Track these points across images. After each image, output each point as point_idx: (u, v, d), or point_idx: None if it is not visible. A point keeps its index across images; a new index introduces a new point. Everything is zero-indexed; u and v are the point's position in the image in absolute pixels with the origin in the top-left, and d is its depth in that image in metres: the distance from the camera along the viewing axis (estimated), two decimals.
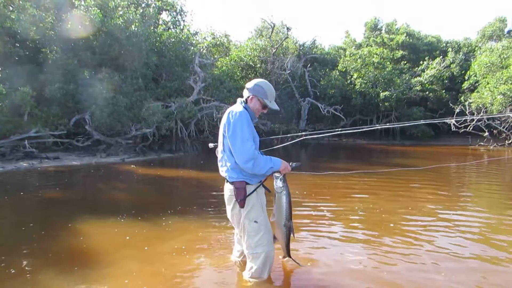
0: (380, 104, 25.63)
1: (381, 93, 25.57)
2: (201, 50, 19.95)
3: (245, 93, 3.53)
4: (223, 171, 3.50)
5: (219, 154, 3.56)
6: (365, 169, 12.03)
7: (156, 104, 16.43)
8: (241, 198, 3.36)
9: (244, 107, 3.42)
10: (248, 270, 3.53)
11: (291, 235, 3.62)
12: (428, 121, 5.11)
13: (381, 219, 6.16)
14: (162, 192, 8.84)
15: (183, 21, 20.99)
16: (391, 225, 5.83)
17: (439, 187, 9.31)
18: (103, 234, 5.33)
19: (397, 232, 5.44)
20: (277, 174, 3.41)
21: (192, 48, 19.09)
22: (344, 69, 28.03)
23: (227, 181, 3.49)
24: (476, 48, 29.69)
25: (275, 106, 3.51)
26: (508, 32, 28.07)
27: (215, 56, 21.18)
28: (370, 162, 15.53)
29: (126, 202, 7.70)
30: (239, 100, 3.53)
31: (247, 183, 3.39)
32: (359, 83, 26.52)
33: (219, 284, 3.71)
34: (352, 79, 27.27)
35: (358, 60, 27.13)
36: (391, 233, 5.37)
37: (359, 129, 4.70)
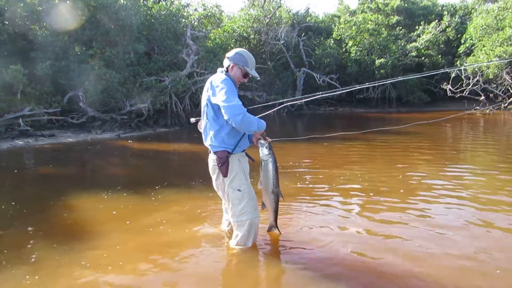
0: (376, 72, 25.41)
1: (377, 60, 25.32)
2: (193, 22, 19.63)
3: (225, 62, 3.55)
4: (206, 140, 3.55)
5: (202, 125, 3.59)
6: (362, 137, 12.05)
7: (150, 78, 16.34)
8: (224, 168, 3.42)
9: (226, 75, 3.44)
10: (234, 238, 3.65)
11: (280, 199, 3.68)
12: (418, 75, 4.92)
13: (375, 186, 6.24)
14: (156, 166, 8.94)
15: None
16: (385, 190, 5.93)
17: (434, 149, 9.40)
18: (91, 208, 5.44)
19: (393, 199, 5.52)
20: (262, 142, 3.46)
21: (184, 20, 18.77)
22: (339, 37, 27.66)
23: (210, 151, 3.52)
24: (473, 11, 29.21)
25: (255, 74, 3.53)
26: None
27: (208, 28, 20.85)
28: (367, 129, 15.50)
29: (119, 176, 7.82)
30: (219, 69, 3.55)
31: (229, 153, 3.43)
32: (354, 51, 26.23)
33: (206, 253, 3.80)
34: (347, 47, 26.95)
35: (353, 27, 26.73)
36: (387, 200, 5.45)
37: (337, 91, 4.66)
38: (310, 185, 6.34)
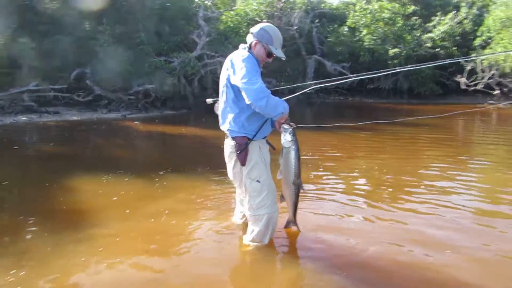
0: (389, 62, 24.81)
1: (390, 50, 24.73)
2: (206, 2, 19.15)
3: (249, 38, 3.18)
4: (224, 124, 3.21)
5: (220, 107, 3.23)
6: (372, 128, 11.71)
7: (159, 59, 15.97)
8: (242, 155, 3.08)
9: (249, 53, 3.08)
10: (250, 234, 3.31)
11: (301, 191, 3.32)
12: (432, 64, 4.37)
13: (386, 178, 5.93)
14: (161, 150, 8.67)
15: None
16: (398, 183, 5.63)
17: (445, 143, 9.06)
18: (90, 192, 5.09)
19: (405, 191, 5.23)
20: (286, 126, 3.10)
21: (197, 0, 18.32)
22: (353, 25, 27.01)
23: (228, 136, 3.20)
24: (490, 3, 28.40)
25: (281, 54, 3.16)
26: None
27: (221, 10, 20.36)
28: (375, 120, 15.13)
29: (122, 159, 7.52)
30: (241, 45, 3.19)
31: (249, 139, 3.11)
32: (368, 40, 25.62)
33: (215, 249, 3.44)
34: (361, 35, 26.32)
35: (368, 15, 26.08)
36: (399, 193, 5.16)
37: (343, 79, 4.29)
38: (329, 175, 6.05)
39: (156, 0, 17.19)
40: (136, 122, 12.55)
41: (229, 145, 3.23)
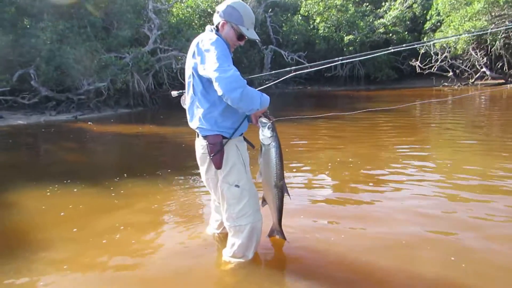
0: (344, 49, 24.97)
1: (345, 37, 24.89)
2: None
3: (215, 19, 2.64)
4: (193, 122, 2.69)
5: (187, 102, 2.71)
6: (332, 117, 11.55)
7: (109, 55, 15.11)
8: (218, 157, 2.59)
9: (217, 35, 2.57)
10: (230, 248, 2.79)
11: (285, 196, 2.79)
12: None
13: (353, 171, 5.62)
14: (117, 152, 7.92)
15: None
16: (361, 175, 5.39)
17: (404, 130, 8.97)
18: (33, 207, 4.33)
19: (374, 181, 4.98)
20: (264, 120, 2.59)
21: None
22: (306, 13, 26.96)
23: (198, 135, 2.70)
24: None
25: (254, 36, 2.63)
26: None
27: (170, 2, 19.59)
28: (337, 109, 15.12)
29: (73, 165, 6.67)
30: (208, 27, 2.66)
31: (223, 137, 2.62)
32: (322, 28, 25.65)
33: (185, 272, 2.81)
34: (315, 23, 26.32)
35: (320, 3, 26.09)
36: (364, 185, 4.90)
37: (323, 64, 3.94)
38: (306, 172, 5.71)
39: None
40: (89, 123, 11.75)
41: (200, 146, 2.70)
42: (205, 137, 2.61)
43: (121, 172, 5.55)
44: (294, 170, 5.51)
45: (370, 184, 4.74)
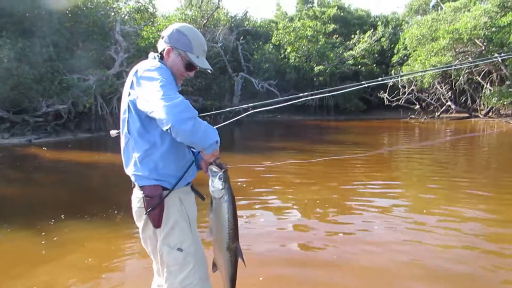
0: (315, 79, 25.17)
1: (315, 67, 25.11)
2: (123, 16, 17.87)
3: (160, 45, 2.12)
4: (128, 167, 2.13)
5: (122, 142, 2.15)
6: (301, 147, 11.34)
7: (71, 76, 14.42)
8: (156, 213, 2.03)
9: (160, 63, 2.06)
10: None
11: (239, 261, 2.17)
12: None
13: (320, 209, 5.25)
14: (64, 186, 6.90)
15: None
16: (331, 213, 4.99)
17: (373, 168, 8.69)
18: None
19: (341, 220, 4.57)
20: (214, 169, 2.04)
21: (113, 14, 17.00)
22: (278, 42, 27.14)
23: (134, 185, 2.13)
24: (403, 22, 30.23)
25: (205, 65, 2.12)
26: (433, 6, 28.86)
27: (140, 24, 19.16)
28: (306, 140, 14.90)
29: (8, 200, 5.77)
30: (151, 54, 2.15)
31: (165, 188, 2.09)
32: (293, 57, 25.83)
33: None
34: (286, 53, 26.51)
35: (292, 33, 26.34)
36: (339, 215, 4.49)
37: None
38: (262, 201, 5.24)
39: (68, 12, 15.68)
40: (44, 148, 10.93)
41: (136, 198, 2.14)
42: (141, 187, 2.06)
43: (59, 211, 4.77)
44: (258, 207, 5.03)
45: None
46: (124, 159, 2.12)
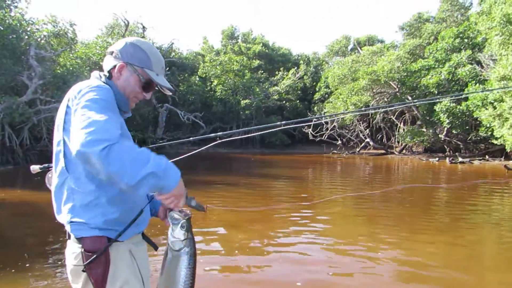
0: (241, 112, 25.31)
1: (242, 101, 25.31)
2: (39, 40, 16.54)
3: (108, 62, 1.69)
4: (62, 213, 1.61)
5: (54, 182, 1.65)
6: (228, 180, 11.12)
7: None
8: (99, 272, 1.54)
9: (105, 83, 1.62)
10: None
11: None
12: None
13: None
14: None
15: (15, 4, 17.18)
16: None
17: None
18: None
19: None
20: (176, 216, 1.65)
21: (27, 37, 15.68)
22: (204, 75, 27.10)
23: (70, 236, 1.63)
24: (324, 62, 31.93)
25: (165, 83, 1.73)
26: (351, 49, 30.92)
27: (58, 49, 17.88)
28: (232, 173, 14.71)
29: None
30: (94, 73, 1.72)
31: (110, 240, 1.57)
32: (219, 90, 25.86)
33: None
34: (213, 85, 26.48)
35: (218, 66, 26.49)
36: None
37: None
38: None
39: None
40: None
41: (72, 254, 1.65)
42: (79, 239, 1.55)
43: None
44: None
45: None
46: (56, 203, 1.57)
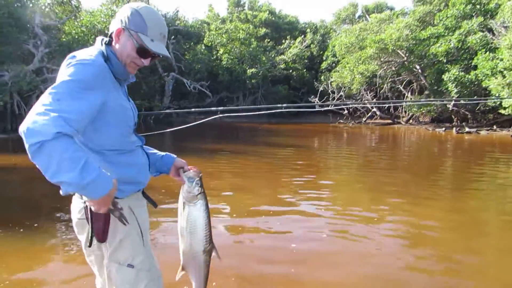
0: (247, 81, 25.17)
1: (248, 70, 25.11)
2: (43, 8, 16.42)
3: (112, 26, 1.73)
4: None
5: None
6: (235, 149, 11.36)
7: None
8: (100, 225, 1.64)
9: (104, 54, 1.65)
10: None
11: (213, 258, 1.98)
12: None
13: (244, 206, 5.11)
14: None
15: None
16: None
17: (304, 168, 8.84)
18: None
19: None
20: (191, 175, 1.87)
21: (31, 5, 15.56)
22: (210, 43, 26.79)
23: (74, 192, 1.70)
24: (331, 31, 31.38)
25: (161, 50, 1.72)
26: (359, 16, 30.31)
27: (62, 18, 17.76)
28: (240, 141, 14.81)
29: None
30: (98, 38, 1.75)
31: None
32: (225, 59, 25.61)
33: None
34: (219, 54, 26.22)
35: (224, 35, 26.16)
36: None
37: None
38: None
39: None
40: None
41: (76, 208, 1.76)
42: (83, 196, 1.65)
43: None
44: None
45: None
46: None
